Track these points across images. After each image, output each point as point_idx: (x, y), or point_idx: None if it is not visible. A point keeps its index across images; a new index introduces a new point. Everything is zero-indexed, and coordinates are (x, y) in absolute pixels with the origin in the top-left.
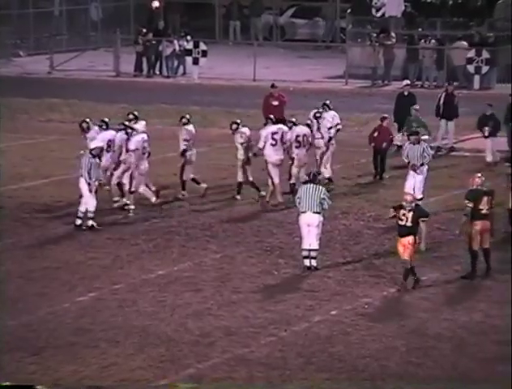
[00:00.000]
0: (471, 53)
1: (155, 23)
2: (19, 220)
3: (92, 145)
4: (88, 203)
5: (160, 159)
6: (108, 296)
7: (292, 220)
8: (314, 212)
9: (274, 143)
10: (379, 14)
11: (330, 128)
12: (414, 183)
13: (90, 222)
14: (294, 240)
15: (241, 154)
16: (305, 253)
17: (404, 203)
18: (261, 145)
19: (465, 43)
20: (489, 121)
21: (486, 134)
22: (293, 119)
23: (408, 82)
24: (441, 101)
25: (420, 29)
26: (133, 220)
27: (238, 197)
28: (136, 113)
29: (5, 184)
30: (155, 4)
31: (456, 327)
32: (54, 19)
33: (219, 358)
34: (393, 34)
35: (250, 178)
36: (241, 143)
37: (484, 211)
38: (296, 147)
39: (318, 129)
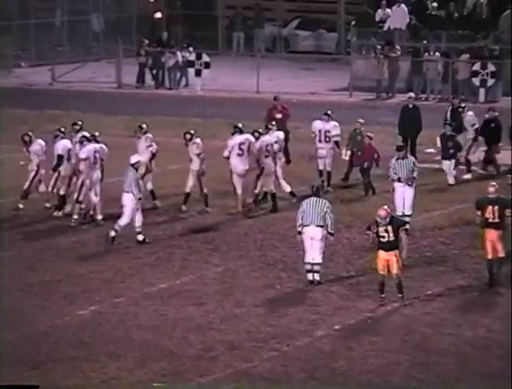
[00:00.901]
0: (477, 66)
1: (158, 34)
2: (19, 233)
3: (133, 159)
4: (135, 218)
5: (162, 171)
6: (109, 309)
7: (295, 233)
8: (317, 226)
9: (240, 153)
10: (385, 28)
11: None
12: (404, 198)
13: (140, 237)
14: (297, 253)
15: (195, 165)
16: (308, 267)
17: (379, 219)
18: (226, 154)
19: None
20: (449, 141)
21: (446, 155)
22: (260, 129)
23: (413, 94)
24: (448, 115)
25: (424, 42)
26: (133, 234)
27: (184, 208)
28: (80, 122)
29: (4, 196)
30: (158, 15)
31: (460, 342)
32: (56, 29)
33: (221, 372)
34: (398, 46)
35: (205, 190)
36: (197, 154)
37: (490, 220)
38: (266, 157)
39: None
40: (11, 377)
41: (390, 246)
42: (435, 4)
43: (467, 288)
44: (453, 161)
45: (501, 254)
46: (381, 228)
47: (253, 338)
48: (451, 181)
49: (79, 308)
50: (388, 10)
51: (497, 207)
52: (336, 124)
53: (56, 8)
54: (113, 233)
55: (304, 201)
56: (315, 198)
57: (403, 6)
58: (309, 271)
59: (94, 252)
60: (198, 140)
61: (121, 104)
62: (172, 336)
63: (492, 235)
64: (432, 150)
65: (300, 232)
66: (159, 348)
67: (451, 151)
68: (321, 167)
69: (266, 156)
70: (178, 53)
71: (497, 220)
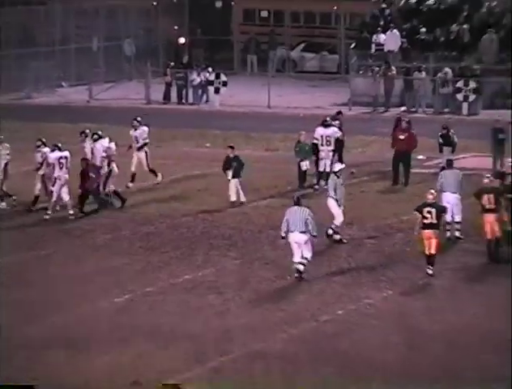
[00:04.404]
0: (460, 84)
1: (182, 57)
2: (62, 231)
3: (337, 167)
4: (339, 218)
5: (185, 177)
6: (140, 298)
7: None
8: (301, 232)
9: (105, 155)
10: (380, 51)
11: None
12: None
13: (337, 236)
14: None
15: (41, 171)
16: (296, 265)
17: (427, 201)
18: (105, 162)
19: (448, 70)
20: (233, 162)
21: (229, 177)
22: (99, 132)
23: (405, 108)
24: (440, 134)
25: (414, 63)
26: (162, 231)
27: (33, 208)
28: (88, 131)
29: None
30: (182, 40)
31: (447, 328)
32: (93, 53)
33: (239, 352)
34: (393, 67)
35: (37, 193)
36: (40, 163)
37: (487, 207)
38: (113, 160)
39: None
40: (53, 358)
41: (430, 226)
42: (423, 29)
43: (467, 279)
44: (237, 180)
45: (493, 236)
46: (426, 209)
47: (266, 322)
48: (233, 198)
49: (115, 296)
50: (383, 35)
51: (493, 196)
52: (335, 129)
53: (93, 35)
54: (330, 231)
55: (287, 210)
56: (297, 207)
57: (395, 31)
58: (298, 268)
59: (127, 248)
60: (45, 149)
61: (149, 118)
62: (195, 321)
63: (488, 218)
64: (421, 157)
65: (283, 237)
66: (184, 331)
67: (233, 170)
68: (321, 168)
69: (113, 160)
70: (199, 73)
71: (493, 206)
